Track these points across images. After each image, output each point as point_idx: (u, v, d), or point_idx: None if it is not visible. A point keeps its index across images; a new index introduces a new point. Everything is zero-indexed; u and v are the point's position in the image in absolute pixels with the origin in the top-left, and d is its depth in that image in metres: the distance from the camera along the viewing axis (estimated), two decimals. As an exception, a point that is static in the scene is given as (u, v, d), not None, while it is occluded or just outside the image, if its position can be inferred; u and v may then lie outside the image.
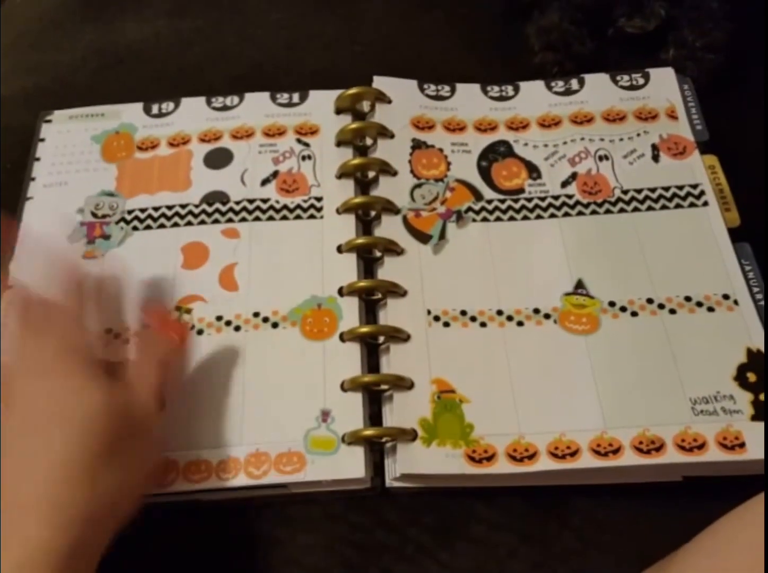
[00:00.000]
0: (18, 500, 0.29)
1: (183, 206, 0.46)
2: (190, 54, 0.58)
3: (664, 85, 0.50)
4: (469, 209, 0.45)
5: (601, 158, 0.47)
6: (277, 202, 0.46)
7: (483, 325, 0.41)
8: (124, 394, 0.33)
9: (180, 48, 0.58)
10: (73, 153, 0.48)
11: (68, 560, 0.28)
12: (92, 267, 0.43)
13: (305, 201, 0.46)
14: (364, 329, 0.40)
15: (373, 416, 0.39)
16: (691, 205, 0.45)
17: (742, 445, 0.37)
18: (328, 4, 0.61)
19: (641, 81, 0.50)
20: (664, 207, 0.45)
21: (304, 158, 0.47)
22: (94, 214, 0.46)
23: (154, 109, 0.51)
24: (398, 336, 0.40)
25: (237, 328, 0.41)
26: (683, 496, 0.38)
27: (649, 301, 0.42)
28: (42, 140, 0.49)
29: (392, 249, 0.43)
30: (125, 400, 0.32)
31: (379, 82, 0.50)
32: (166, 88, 0.55)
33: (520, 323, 0.41)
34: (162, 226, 0.45)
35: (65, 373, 0.32)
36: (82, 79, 0.57)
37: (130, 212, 0.46)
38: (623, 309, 0.41)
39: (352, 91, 0.49)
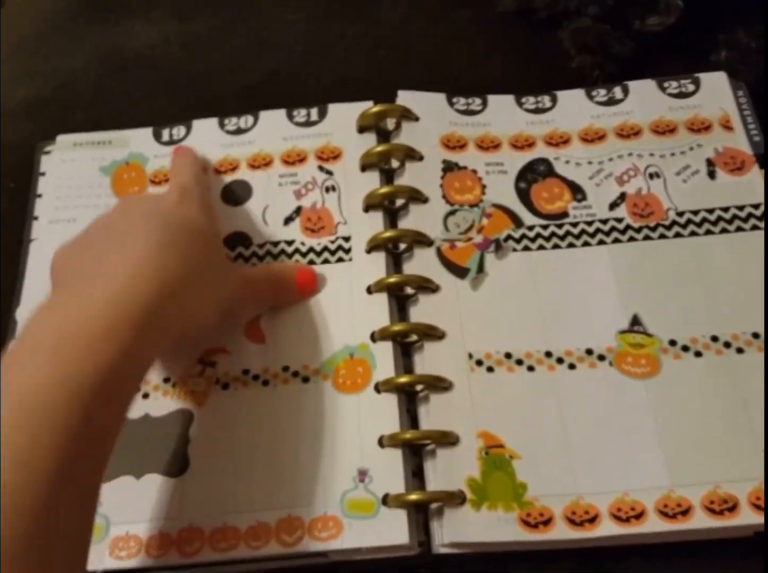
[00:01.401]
0: (111, 262, 0.32)
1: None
2: (200, 60, 0.56)
3: (716, 92, 0.47)
4: (509, 237, 0.43)
5: (651, 176, 0.44)
6: (303, 244, 0.43)
7: (531, 368, 0.38)
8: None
9: (189, 54, 0.56)
10: (80, 186, 0.46)
11: (140, 328, 0.29)
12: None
13: (332, 242, 0.43)
14: (402, 379, 0.38)
15: (415, 471, 0.37)
16: (754, 227, 0.42)
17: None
18: (347, 3, 0.57)
19: (691, 88, 0.47)
20: (723, 230, 0.42)
21: (327, 190, 0.45)
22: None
23: (165, 135, 0.48)
24: (439, 385, 0.38)
25: (265, 383, 0.39)
26: (753, 552, 0.35)
27: (714, 338, 0.39)
28: (43, 174, 0.47)
29: (427, 286, 0.41)
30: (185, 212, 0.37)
31: (405, 97, 0.47)
32: (175, 98, 0.53)
33: (571, 366, 0.38)
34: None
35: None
36: (86, 88, 0.55)
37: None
38: (685, 348, 0.38)
39: (376, 108, 0.46)
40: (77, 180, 0.47)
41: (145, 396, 0.39)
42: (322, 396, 0.38)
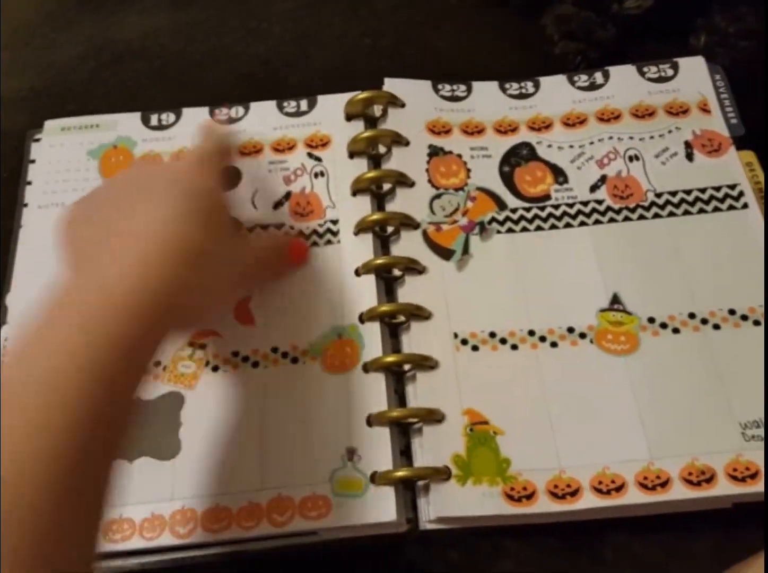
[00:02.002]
0: (129, 229, 0.31)
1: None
2: (193, 50, 0.55)
3: (694, 76, 0.46)
4: (493, 220, 0.42)
5: (631, 159, 0.44)
6: (292, 227, 0.43)
7: (514, 347, 0.38)
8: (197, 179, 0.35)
9: (182, 44, 0.55)
10: (68, 170, 0.46)
11: (140, 311, 0.28)
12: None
13: (321, 225, 0.43)
14: (389, 359, 0.38)
15: (402, 450, 0.37)
16: (730, 207, 0.42)
17: (795, 472, 0.34)
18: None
19: (670, 72, 0.47)
20: (701, 210, 0.42)
21: (316, 175, 0.44)
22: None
23: (153, 120, 0.47)
24: (425, 364, 0.38)
25: (255, 364, 0.39)
26: (731, 523, 0.35)
27: (691, 315, 0.39)
28: (33, 162, 0.46)
29: (413, 267, 0.41)
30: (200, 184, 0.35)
31: (391, 84, 0.47)
32: (166, 87, 0.53)
33: (553, 344, 0.38)
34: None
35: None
36: (80, 79, 0.54)
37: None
38: (664, 325, 0.38)
39: (363, 95, 0.46)
40: (65, 164, 0.46)
41: (138, 379, 0.39)
42: (311, 376, 0.38)
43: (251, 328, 0.40)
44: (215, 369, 0.39)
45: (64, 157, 0.46)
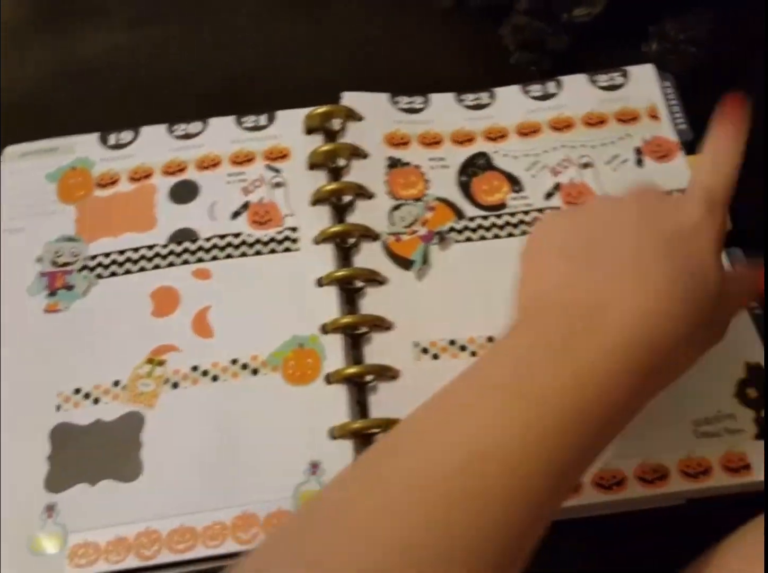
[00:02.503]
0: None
1: (150, 248, 0.42)
2: (153, 67, 0.53)
3: (644, 84, 0.47)
4: (452, 229, 0.42)
5: (584, 166, 0.44)
6: (250, 235, 0.42)
7: (473, 354, 0.38)
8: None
9: (140, 61, 0.54)
10: (27, 195, 0.44)
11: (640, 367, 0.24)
12: (56, 322, 0.39)
13: (279, 232, 0.42)
14: (351, 370, 0.37)
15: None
16: (682, 211, 0.41)
17: (747, 466, 0.35)
18: (295, 6, 0.56)
19: (620, 80, 0.47)
20: (653, 215, 0.41)
21: (275, 186, 0.44)
22: (54, 263, 0.42)
23: (112, 139, 0.46)
24: (387, 374, 0.37)
25: (215, 378, 0.38)
26: (685, 517, 0.35)
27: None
28: None
29: (374, 278, 0.40)
30: None
31: (349, 98, 0.46)
32: (127, 106, 0.51)
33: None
34: (128, 271, 0.41)
35: None
36: (37, 98, 0.52)
37: (93, 258, 0.42)
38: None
39: (321, 109, 0.45)
40: (24, 189, 0.45)
41: (96, 401, 0.37)
42: (272, 388, 0.37)
43: (210, 339, 0.38)
44: (175, 385, 0.38)
45: (23, 182, 0.45)
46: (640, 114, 0.45)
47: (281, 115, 0.47)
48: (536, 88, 0.47)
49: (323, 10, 0.56)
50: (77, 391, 0.37)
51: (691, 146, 0.45)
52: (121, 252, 0.42)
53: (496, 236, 0.42)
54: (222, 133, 0.46)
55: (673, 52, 0.49)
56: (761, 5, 0.50)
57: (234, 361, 0.38)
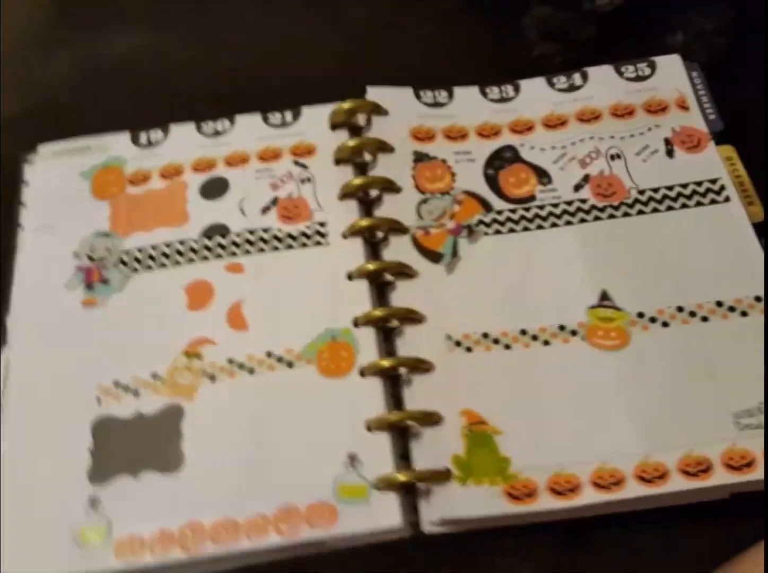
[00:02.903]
0: None
1: (182, 242, 0.42)
2: (176, 66, 0.53)
3: (671, 74, 0.46)
4: (480, 222, 0.41)
5: (613, 157, 0.43)
6: (280, 230, 0.42)
7: (507, 346, 0.37)
8: None
9: (165, 61, 0.53)
10: (62, 192, 0.44)
11: None
12: (94, 315, 0.39)
13: (308, 227, 0.42)
14: (385, 363, 0.37)
15: (402, 453, 0.35)
16: (712, 201, 0.41)
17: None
18: (315, 5, 0.55)
19: (647, 71, 0.46)
20: (684, 206, 0.41)
21: (303, 181, 0.43)
22: (90, 258, 0.41)
23: (143, 138, 0.46)
24: (421, 367, 0.37)
25: (251, 371, 0.37)
26: (728, 513, 0.35)
27: (680, 309, 0.38)
28: (26, 183, 0.44)
29: (404, 272, 0.39)
30: None
31: (374, 93, 0.46)
32: (151, 102, 0.51)
33: (546, 342, 0.37)
34: (163, 265, 0.41)
35: None
36: (64, 99, 0.52)
37: (127, 253, 0.41)
38: (653, 320, 0.38)
39: (347, 105, 0.45)
40: (59, 186, 0.44)
41: (136, 393, 0.37)
42: (307, 381, 0.37)
43: (245, 332, 0.38)
44: (212, 378, 0.37)
45: (57, 180, 0.44)
46: (669, 104, 0.44)
47: (306, 111, 0.46)
48: (561, 80, 0.46)
49: (341, 11, 0.55)
50: (117, 383, 0.37)
51: (721, 136, 0.44)
52: (155, 247, 0.41)
53: (526, 229, 0.41)
54: (249, 131, 0.46)
55: (698, 42, 0.48)
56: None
57: (269, 354, 0.38)
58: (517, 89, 0.46)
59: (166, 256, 0.41)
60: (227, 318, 0.39)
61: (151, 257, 0.41)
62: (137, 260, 0.41)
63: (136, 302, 0.40)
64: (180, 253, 0.41)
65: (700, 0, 0.49)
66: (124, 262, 0.41)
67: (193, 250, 0.41)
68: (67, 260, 0.41)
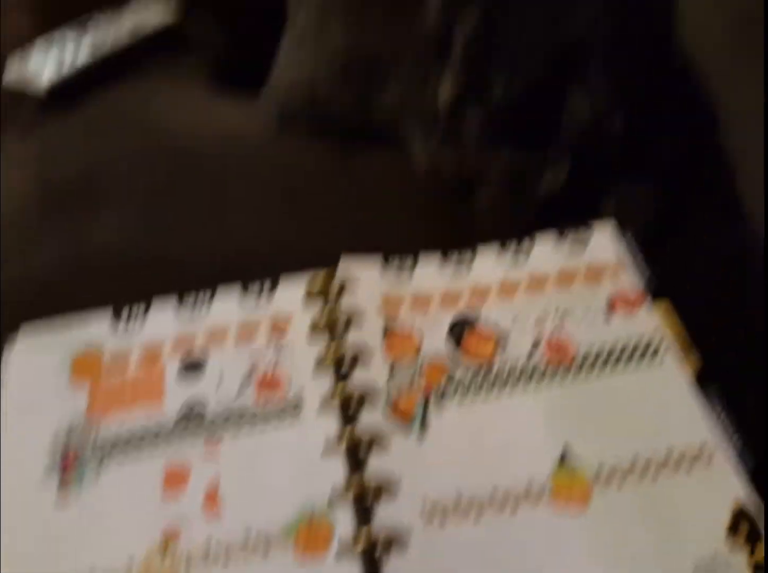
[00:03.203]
0: None
1: (159, 425, 0.43)
2: (159, 247, 0.56)
3: (606, 241, 0.50)
4: (447, 387, 0.44)
5: (560, 319, 0.47)
6: (256, 407, 0.43)
7: (479, 513, 0.39)
8: None
9: (147, 244, 0.57)
10: (40, 377, 0.46)
11: None
12: (68, 506, 0.40)
13: (284, 402, 0.44)
14: (361, 536, 0.37)
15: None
16: (653, 354, 0.44)
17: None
18: (289, 187, 0.60)
19: (585, 238, 0.51)
20: (628, 362, 0.44)
21: (279, 354, 0.46)
22: (66, 442, 0.42)
23: (123, 318, 0.49)
24: (397, 539, 0.37)
25: (227, 553, 0.38)
26: None
27: (634, 463, 0.40)
28: (7, 366, 0.46)
29: (376, 442, 0.41)
30: None
31: (346, 264, 0.49)
32: (136, 284, 0.53)
33: (514, 508, 0.39)
34: (139, 448, 0.42)
35: None
36: (50, 284, 0.54)
37: (104, 438, 0.43)
38: (610, 475, 0.39)
39: (320, 276, 0.49)
40: (37, 371, 0.46)
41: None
42: (283, 561, 0.37)
43: (220, 515, 0.39)
44: (189, 561, 0.38)
45: (37, 364, 0.46)
46: (606, 268, 0.49)
47: (282, 284, 0.50)
48: (511, 249, 0.51)
49: (312, 188, 0.60)
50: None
51: (655, 295, 0.48)
52: (131, 431, 0.43)
53: (488, 393, 0.44)
54: (227, 305, 0.49)
55: (629, 211, 0.54)
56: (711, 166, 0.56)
57: (245, 535, 0.38)
58: (472, 258, 0.51)
59: (142, 439, 0.43)
60: (203, 501, 0.40)
61: (128, 442, 0.42)
62: (113, 445, 0.42)
63: (112, 487, 0.41)
64: (156, 436, 0.43)
65: (629, 175, 0.55)
66: (100, 448, 0.42)
67: (170, 433, 0.43)
68: (42, 445, 0.42)
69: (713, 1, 0.63)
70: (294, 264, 0.51)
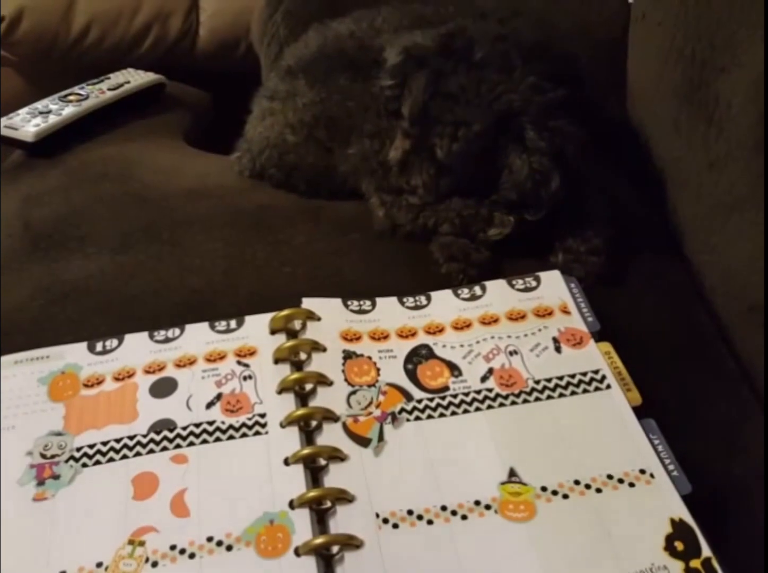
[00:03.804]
0: None
1: (131, 438, 0.46)
2: (133, 286, 0.59)
3: (553, 286, 0.56)
4: (402, 410, 0.48)
5: (511, 353, 0.51)
6: (223, 422, 0.47)
7: (430, 522, 0.42)
8: None
9: (123, 281, 0.60)
10: (20, 397, 0.48)
11: None
12: (43, 509, 0.42)
13: (249, 419, 0.47)
14: (318, 541, 0.40)
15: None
16: (596, 388, 0.49)
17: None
18: (258, 233, 0.65)
19: (534, 283, 0.56)
20: (573, 393, 0.49)
21: (245, 378, 0.49)
22: (43, 455, 0.45)
23: (98, 346, 0.52)
24: (351, 543, 0.40)
25: (191, 556, 0.40)
26: None
27: (576, 482, 0.44)
28: None
29: (336, 456, 0.45)
30: None
31: (308, 303, 0.54)
32: (110, 319, 0.56)
33: (464, 517, 0.42)
34: (111, 459, 0.45)
35: None
36: (29, 316, 0.57)
37: (78, 449, 0.45)
38: (555, 492, 0.43)
39: (284, 313, 0.53)
40: (17, 391, 0.49)
41: (79, 583, 0.39)
42: (245, 563, 0.39)
43: (187, 519, 0.41)
44: (155, 564, 0.40)
45: (16, 385, 0.49)
46: (554, 310, 0.54)
47: (249, 319, 0.54)
48: (465, 291, 0.56)
49: (280, 234, 0.65)
50: (61, 574, 0.39)
51: (599, 335, 0.53)
52: (105, 443, 0.45)
53: (442, 415, 0.48)
54: (197, 337, 0.52)
55: (575, 262, 0.60)
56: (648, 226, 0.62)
57: (209, 539, 0.41)
58: (428, 299, 0.56)
59: (115, 450, 0.45)
60: (171, 506, 0.42)
61: (101, 452, 0.45)
62: (87, 456, 0.45)
63: (85, 495, 0.43)
64: (128, 447, 0.45)
65: (575, 228, 0.62)
66: (75, 458, 0.45)
67: (141, 444, 0.46)
68: (20, 459, 0.45)
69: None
70: (258, 303, 0.55)
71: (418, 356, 0.51)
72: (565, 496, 0.43)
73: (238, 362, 0.50)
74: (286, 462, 0.44)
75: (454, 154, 0.58)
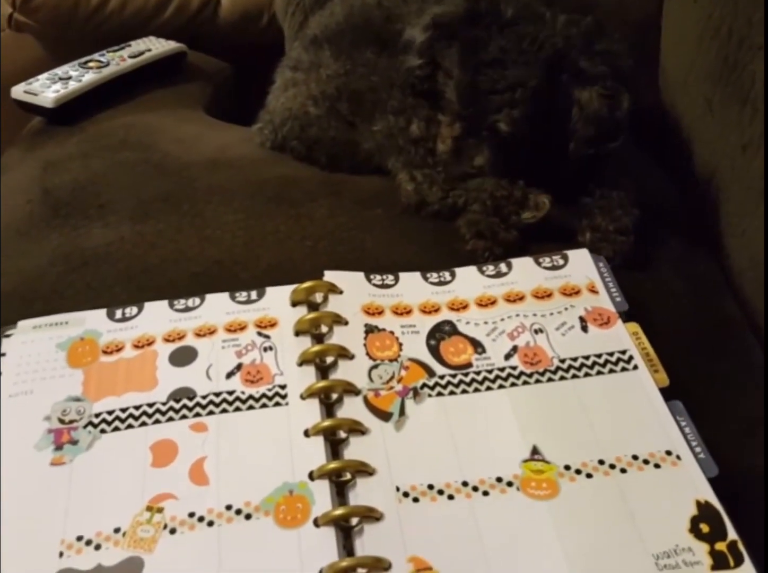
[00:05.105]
0: None
1: (150, 405, 0.46)
2: (153, 255, 0.60)
3: (581, 265, 0.55)
4: (424, 385, 0.48)
5: (536, 331, 0.51)
6: (243, 393, 0.47)
7: (451, 497, 0.42)
8: None
9: (143, 250, 0.60)
10: (38, 362, 0.49)
11: None
12: (61, 474, 0.42)
13: (270, 390, 0.47)
14: (338, 512, 0.40)
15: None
16: (623, 369, 0.49)
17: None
18: (279, 205, 0.65)
19: (561, 262, 0.56)
20: (599, 372, 0.48)
21: (266, 349, 0.50)
22: (61, 421, 0.45)
23: (118, 313, 0.52)
24: (371, 515, 0.41)
25: (210, 524, 0.41)
26: None
27: (601, 462, 0.44)
28: (3, 355, 0.49)
29: (356, 429, 0.45)
30: None
31: (330, 276, 0.54)
32: (130, 288, 0.57)
33: (485, 493, 0.42)
34: (130, 426, 0.45)
35: None
36: (48, 283, 0.58)
37: (97, 415, 0.46)
38: (578, 471, 0.43)
39: (306, 285, 0.53)
40: (35, 356, 0.49)
41: (97, 547, 0.40)
42: (264, 532, 0.40)
43: (206, 487, 0.42)
44: (173, 531, 0.40)
45: (35, 350, 0.49)
46: (581, 289, 0.54)
47: (270, 290, 0.54)
48: (490, 268, 0.56)
49: (300, 208, 0.65)
50: (80, 538, 0.40)
51: (627, 315, 0.53)
52: (124, 409, 0.46)
53: (464, 391, 0.48)
54: (218, 307, 0.53)
55: (604, 241, 0.59)
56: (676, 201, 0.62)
57: (228, 507, 0.41)
58: (453, 275, 0.56)
59: (134, 417, 0.46)
60: (189, 474, 0.43)
61: (120, 419, 0.46)
62: (106, 422, 0.46)
63: (103, 461, 0.43)
64: (147, 414, 0.46)
65: (604, 208, 0.61)
66: (93, 424, 0.45)
67: (160, 412, 0.46)
68: (38, 423, 0.45)
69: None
70: (278, 276, 0.56)
71: (441, 332, 0.51)
72: (589, 476, 0.43)
73: (259, 333, 0.50)
74: (306, 433, 0.44)
75: (518, 120, 0.58)
